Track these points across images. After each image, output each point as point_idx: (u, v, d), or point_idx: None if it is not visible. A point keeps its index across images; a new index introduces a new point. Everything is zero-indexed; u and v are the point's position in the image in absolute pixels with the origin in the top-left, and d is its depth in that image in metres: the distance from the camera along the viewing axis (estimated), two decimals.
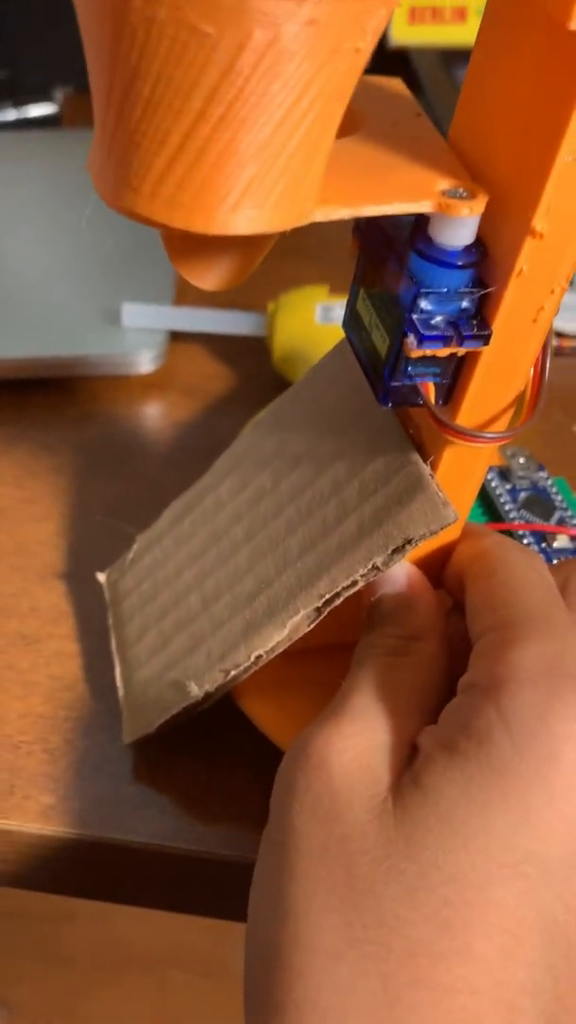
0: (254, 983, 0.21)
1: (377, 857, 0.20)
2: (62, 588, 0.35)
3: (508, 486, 0.33)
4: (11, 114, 0.59)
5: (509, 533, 0.31)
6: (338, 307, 0.42)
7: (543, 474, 0.33)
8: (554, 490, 0.33)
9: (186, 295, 0.47)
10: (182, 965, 0.93)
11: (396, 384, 0.23)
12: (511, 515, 0.32)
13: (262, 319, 0.43)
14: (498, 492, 0.32)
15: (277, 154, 0.17)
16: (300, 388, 0.29)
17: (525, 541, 0.31)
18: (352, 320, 0.25)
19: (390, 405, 0.23)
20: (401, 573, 0.26)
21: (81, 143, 0.56)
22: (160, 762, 0.30)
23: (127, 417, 0.43)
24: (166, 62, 0.16)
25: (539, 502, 0.32)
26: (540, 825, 0.20)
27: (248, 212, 0.18)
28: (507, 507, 0.32)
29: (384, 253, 0.22)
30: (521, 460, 0.33)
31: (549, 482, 0.33)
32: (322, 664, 0.28)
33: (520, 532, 0.31)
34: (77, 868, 0.29)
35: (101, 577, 0.34)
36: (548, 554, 0.30)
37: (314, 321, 0.41)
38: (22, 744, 0.30)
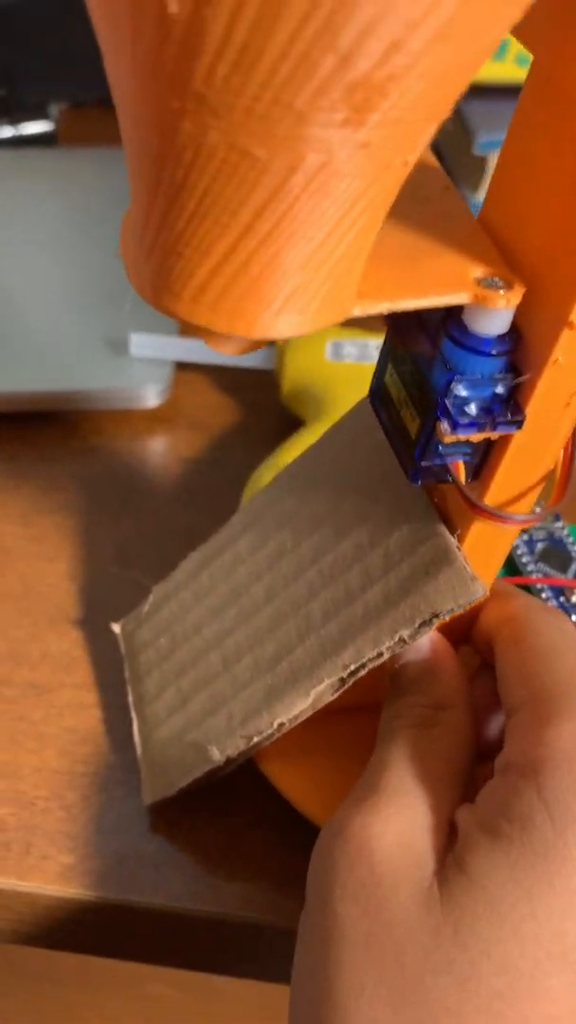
0: None
1: (426, 946, 0.20)
2: (73, 634, 0.35)
3: (525, 537, 0.33)
4: (7, 131, 0.58)
5: (527, 587, 0.31)
6: (348, 344, 0.41)
7: (559, 524, 0.33)
8: (570, 540, 0.33)
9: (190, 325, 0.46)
10: (163, 978, 0.93)
11: (426, 464, 0.23)
12: (528, 567, 0.32)
13: (271, 351, 0.43)
14: (514, 544, 0.32)
15: (323, 263, 0.17)
16: (321, 446, 0.29)
17: (544, 596, 0.31)
18: (380, 394, 0.24)
19: (419, 482, 0.23)
20: (425, 640, 0.26)
21: (79, 162, 0.55)
22: (179, 820, 0.30)
23: (133, 452, 0.42)
24: (214, 180, 0.15)
25: (556, 553, 0.32)
26: None
27: (290, 317, 0.18)
28: (524, 559, 0.32)
29: (416, 333, 0.22)
30: (536, 510, 0.33)
31: (565, 532, 0.33)
32: (344, 726, 0.28)
33: (539, 586, 0.31)
34: (97, 929, 0.29)
35: (116, 627, 0.34)
36: (567, 608, 0.31)
37: (324, 357, 0.41)
38: (38, 800, 0.30)
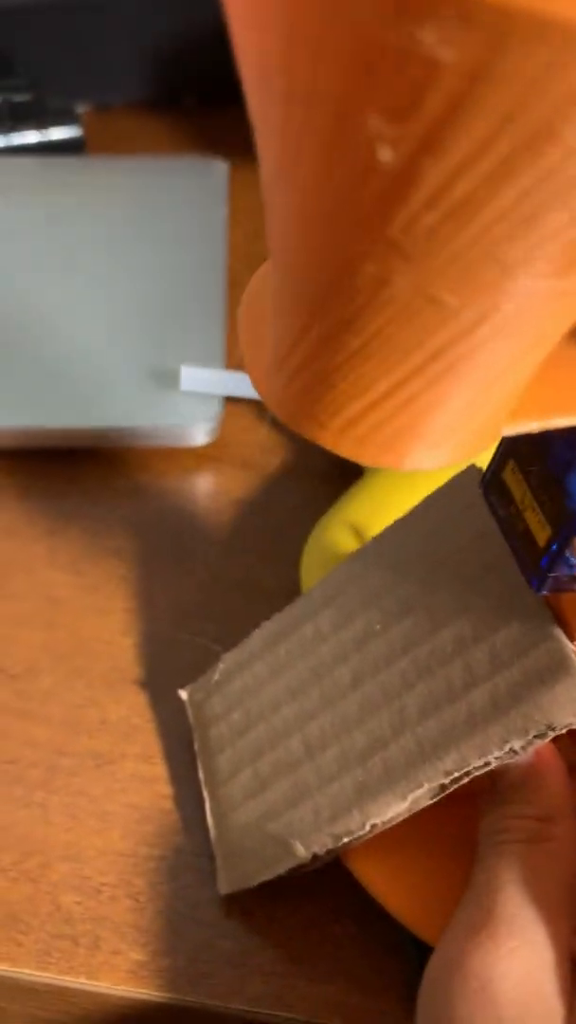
0: None
1: None
2: (132, 699, 0.33)
3: None
4: (33, 136, 0.56)
5: None
6: None
7: None
8: None
9: (236, 356, 0.44)
10: None
11: (555, 575, 0.21)
12: None
13: None
14: None
15: (489, 400, 0.15)
16: (412, 520, 0.28)
17: None
18: (497, 487, 0.23)
19: (544, 592, 0.21)
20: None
21: (111, 173, 0.53)
22: (255, 910, 0.28)
23: (182, 493, 0.40)
24: (389, 323, 0.13)
25: None
26: None
27: (443, 451, 0.16)
28: None
29: (551, 438, 0.20)
30: None
31: None
32: (436, 818, 0.27)
33: None
34: None
35: (183, 694, 0.32)
36: None
37: None
38: (104, 888, 0.29)
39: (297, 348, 0.15)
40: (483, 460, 0.23)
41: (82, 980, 0.27)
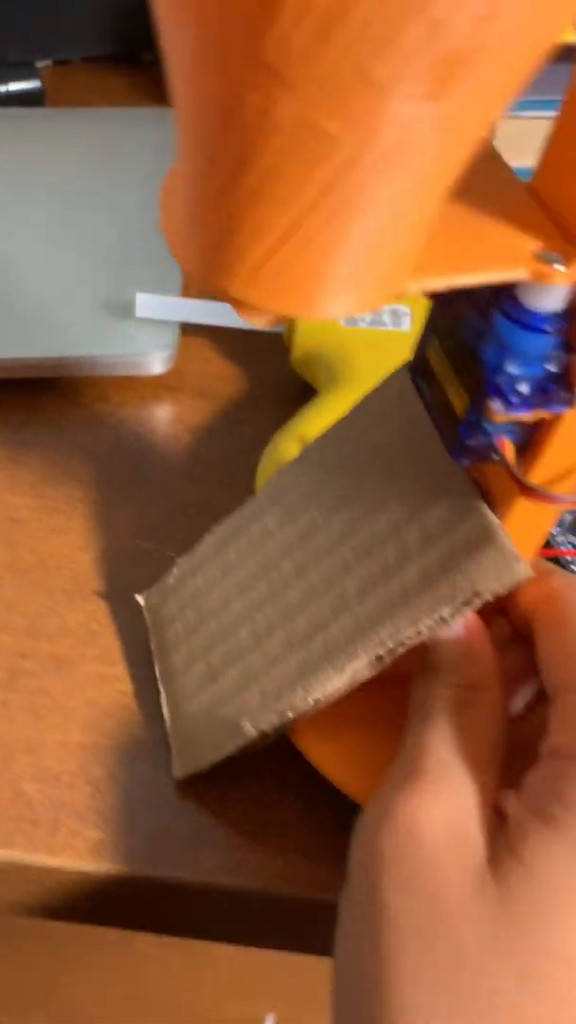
0: None
1: (484, 937, 0.20)
2: (91, 607, 0.34)
3: None
4: None
5: (556, 560, 0.31)
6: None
7: None
8: None
9: (191, 288, 0.45)
10: (149, 937, 0.94)
11: (473, 444, 0.22)
12: (558, 539, 0.31)
13: None
14: None
15: (387, 241, 0.16)
16: (350, 419, 0.29)
17: (574, 567, 0.31)
18: (421, 366, 0.24)
19: (465, 461, 0.23)
20: (459, 618, 0.26)
21: (71, 121, 0.54)
22: (208, 793, 0.29)
23: (140, 421, 0.41)
24: (279, 156, 0.15)
25: None
26: None
27: (348, 296, 0.17)
28: (554, 531, 0.32)
29: (462, 305, 0.21)
30: None
31: None
32: (376, 697, 0.28)
33: (568, 558, 0.31)
34: (127, 904, 0.29)
35: (140, 599, 0.33)
36: None
37: (338, 323, 0.40)
38: (64, 775, 0.30)
39: (203, 198, 0.16)
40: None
41: (42, 857, 0.28)
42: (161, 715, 0.31)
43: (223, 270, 0.17)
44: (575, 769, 0.21)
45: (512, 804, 0.22)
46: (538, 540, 0.25)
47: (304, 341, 0.40)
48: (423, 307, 0.39)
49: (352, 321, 0.40)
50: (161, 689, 0.31)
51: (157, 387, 0.42)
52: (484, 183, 0.21)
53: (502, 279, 0.19)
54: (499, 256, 0.19)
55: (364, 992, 0.20)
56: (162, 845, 0.28)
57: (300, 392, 0.41)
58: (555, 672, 0.23)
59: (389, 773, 0.24)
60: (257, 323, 0.21)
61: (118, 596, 0.34)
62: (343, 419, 0.29)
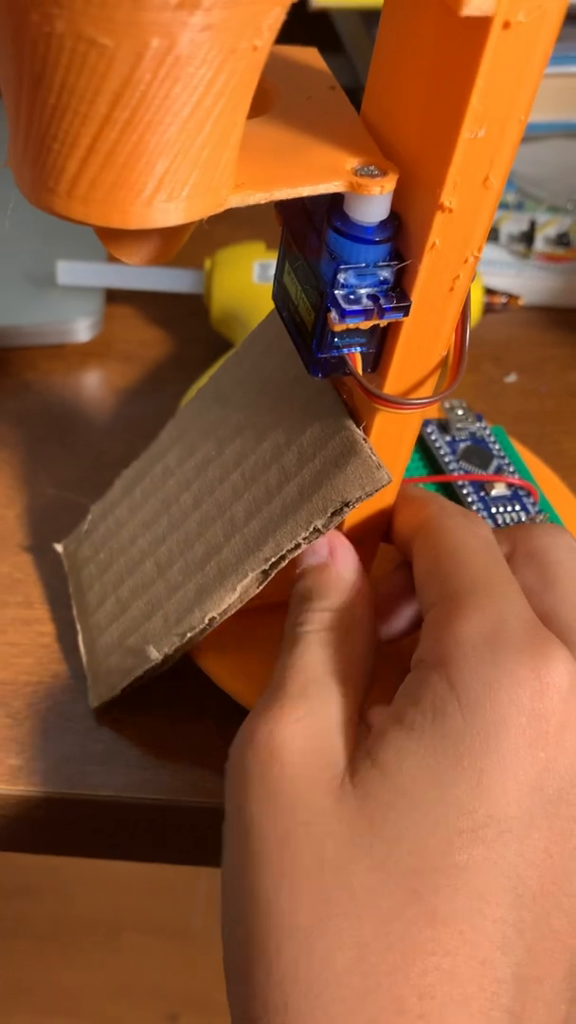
0: (235, 974, 0.21)
1: (343, 838, 0.21)
2: (15, 559, 0.36)
3: (447, 438, 0.34)
4: None
5: (449, 485, 0.32)
6: (275, 265, 0.42)
7: (481, 424, 0.34)
8: (492, 439, 0.34)
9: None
10: (138, 927, 0.95)
11: (323, 356, 0.24)
12: (451, 466, 0.33)
13: (200, 277, 0.44)
14: (437, 444, 0.33)
15: (186, 149, 0.18)
16: (239, 356, 0.30)
17: (464, 491, 0.32)
18: (280, 292, 0.25)
19: (320, 376, 0.24)
20: (322, 542, 0.27)
21: None
22: (123, 718, 0.31)
23: (68, 386, 0.43)
24: (68, 72, 0.16)
25: (478, 452, 0.33)
26: (494, 788, 0.21)
27: (162, 206, 0.18)
28: (447, 459, 0.33)
29: (304, 228, 0.23)
30: (459, 412, 0.34)
31: (487, 432, 0.34)
32: (273, 620, 0.30)
33: (460, 483, 0.32)
34: (50, 826, 0.30)
35: (59, 547, 0.35)
36: (487, 502, 0.32)
37: (252, 280, 0.41)
38: None
39: (20, 123, 0.18)
40: None
41: None
42: (79, 652, 0.32)
43: (46, 189, 0.18)
44: (432, 676, 0.22)
45: (376, 716, 0.23)
46: (405, 449, 0.26)
47: (221, 300, 0.42)
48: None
49: (266, 278, 0.41)
50: (78, 628, 0.32)
51: (84, 354, 0.44)
52: (318, 112, 0.22)
53: (320, 191, 0.20)
54: (319, 171, 0.21)
55: (240, 900, 0.21)
56: (78, 767, 0.30)
57: (223, 349, 0.42)
58: (425, 590, 0.24)
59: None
60: (131, 260, 0.23)
61: (41, 547, 0.36)
62: (233, 355, 0.30)
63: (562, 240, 0.46)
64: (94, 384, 0.43)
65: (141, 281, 0.44)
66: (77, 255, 0.44)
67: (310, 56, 0.24)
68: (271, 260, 0.42)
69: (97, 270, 0.43)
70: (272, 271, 0.42)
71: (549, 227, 0.46)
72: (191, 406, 0.32)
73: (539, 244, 0.46)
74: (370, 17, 0.52)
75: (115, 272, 0.43)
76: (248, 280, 0.41)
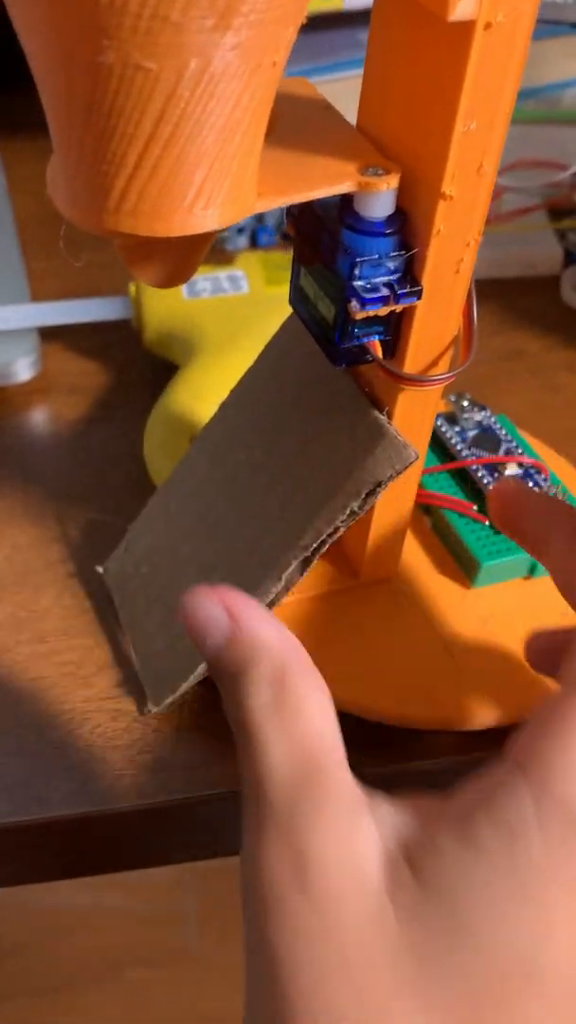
0: None
1: (384, 973, 0.19)
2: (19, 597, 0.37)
3: (456, 428, 0.36)
4: None
5: (464, 469, 0.34)
6: (201, 280, 0.43)
7: (486, 412, 0.36)
8: (498, 426, 0.36)
9: (39, 294, 0.47)
10: (138, 961, 0.94)
11: (346, 346, 0.26)
12: (463, 453, 0.35)
13: (127, 302, 0.44)
14: (448, 435, 0.36)
15: (221, 159, 0.20)
16: (256, 367, 0.32)
17: (479, 474, 0.34)
18: (298, 296, 0.28)
19: (344, 365, 0.26)
20: (211, 605, 0.23)
21: None
22: (166, 721, 0.32)
23: (22, 426, 0.43)
24: (116, 96, 0.18)
25: (486, 438, 0.35)
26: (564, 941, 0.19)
27: (201, 213, 0.21)
28: (459, 447, 0.35)
29: (318, 232, 0.25)
30: (464, 403, 0.36)
31: (493, 419, 0.36)
32: (315, 612, 0.31)
33: (474, 467, 0.34)
34: (114, 842, 0.32)
35: (100, 568, 0.36)
36: (498, 479, 0.34)
37: (182, 297, 0.42)
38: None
39: (70, 151, 0.20)
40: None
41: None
42: (131, 663, 0.34)
43: (97, 208, 0.21)
44: (520, 784, 0.20)
45: (426, 813, 0.20)
46: (425, 428, 0.28)
47: (153, 322, 0.42)
48: (256, 270, 0.42)
49: (195, 293, 0.43)
50: (128, 636, 0.34)
51: (28, 392, 0.44)
52: (319, 128, 0.25)
53: (334, 192, 0.23)
54: (330, 175, 0.23)
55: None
56: (130, 777, 0.31)
57: (162, 370, 0.43)
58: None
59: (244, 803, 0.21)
60: (156, 284, 0.25)
61: (37, 583, 0.36)
62: (251, 368, 0.32)
63: None
64: (45, 419, 0.43)
65: (70, 315, 0.44)
66: (2, 296, 0.45)
67: (300, 85, 0.27)
68: (195, 276, 0.41)
69: (25, 311, 0.44)
70: (199, 285, 0.43)
71: None
72: (215, 420, 0.34)
73: None
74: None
75: (43, 310, 0.44)
76: (178, 299, 0.42)
